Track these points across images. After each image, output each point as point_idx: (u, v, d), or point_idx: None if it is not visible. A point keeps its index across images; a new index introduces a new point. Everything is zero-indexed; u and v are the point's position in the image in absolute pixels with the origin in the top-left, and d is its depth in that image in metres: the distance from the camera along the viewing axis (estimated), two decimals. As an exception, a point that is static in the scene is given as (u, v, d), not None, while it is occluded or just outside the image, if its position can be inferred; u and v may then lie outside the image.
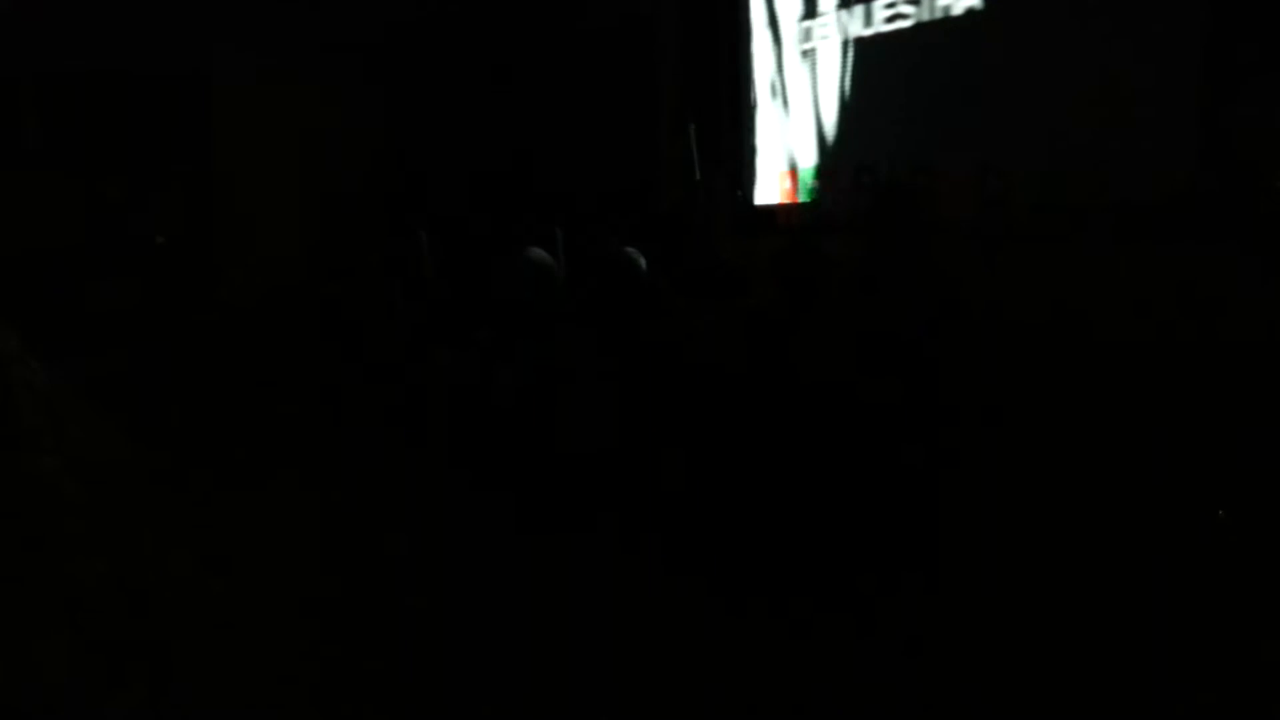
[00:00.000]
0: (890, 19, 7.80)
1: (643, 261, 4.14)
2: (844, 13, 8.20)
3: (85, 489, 2.86)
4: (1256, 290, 4.56)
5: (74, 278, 7.35)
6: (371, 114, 8.78)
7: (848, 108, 8.22)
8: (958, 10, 7.21)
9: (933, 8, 7.42)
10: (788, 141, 8.79)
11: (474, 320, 4.95)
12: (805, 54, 8.66)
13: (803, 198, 7.48)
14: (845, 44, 8.22)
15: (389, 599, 3.51)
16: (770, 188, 8.96)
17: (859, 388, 2.82)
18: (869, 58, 8.03)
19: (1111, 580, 2.67)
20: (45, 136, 7.72)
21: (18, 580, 1.97)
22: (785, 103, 8.88)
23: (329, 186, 8.53)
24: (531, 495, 3.83)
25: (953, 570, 2.73)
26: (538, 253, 5.60)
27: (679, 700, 2.37)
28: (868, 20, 7.99)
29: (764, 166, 9.12)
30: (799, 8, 8.73)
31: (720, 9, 9.43)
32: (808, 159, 8.54)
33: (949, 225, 6.67)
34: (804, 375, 3.23)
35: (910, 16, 7.63)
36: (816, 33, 8.53)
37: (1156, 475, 3.16)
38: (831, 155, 8.32)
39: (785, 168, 8.64)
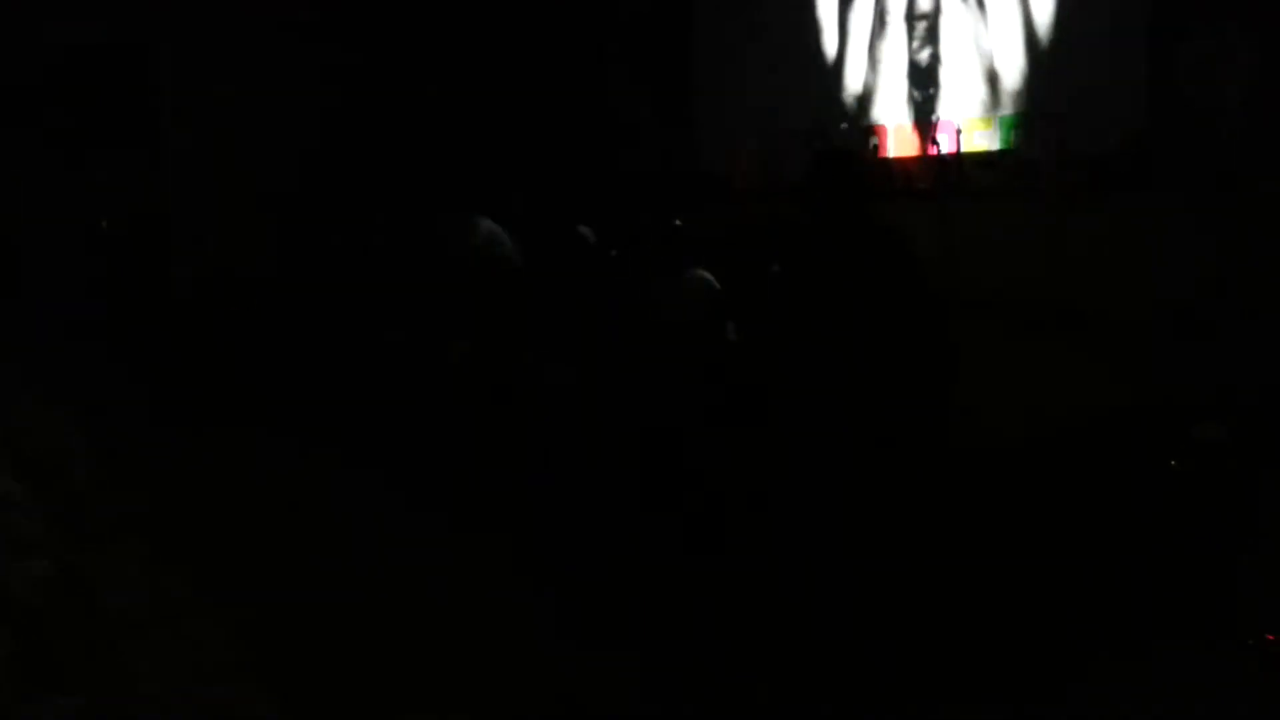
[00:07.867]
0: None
1: (591, 238, 4.12)
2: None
3: (28, 486, 2.81)
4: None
5: (12, 266, 7.11)
6: (323, 92, 8.60)
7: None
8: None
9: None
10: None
11: (427, 297, 4.92)
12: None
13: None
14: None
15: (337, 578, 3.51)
16: (723, 152, 8.81)
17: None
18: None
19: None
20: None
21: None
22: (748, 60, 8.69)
23: (281, 170, 8.37)
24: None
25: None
26: (489, 225, 5.54)
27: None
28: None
29: (720, 130, 9.00)
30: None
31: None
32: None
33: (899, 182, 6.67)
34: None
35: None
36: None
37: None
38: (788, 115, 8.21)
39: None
